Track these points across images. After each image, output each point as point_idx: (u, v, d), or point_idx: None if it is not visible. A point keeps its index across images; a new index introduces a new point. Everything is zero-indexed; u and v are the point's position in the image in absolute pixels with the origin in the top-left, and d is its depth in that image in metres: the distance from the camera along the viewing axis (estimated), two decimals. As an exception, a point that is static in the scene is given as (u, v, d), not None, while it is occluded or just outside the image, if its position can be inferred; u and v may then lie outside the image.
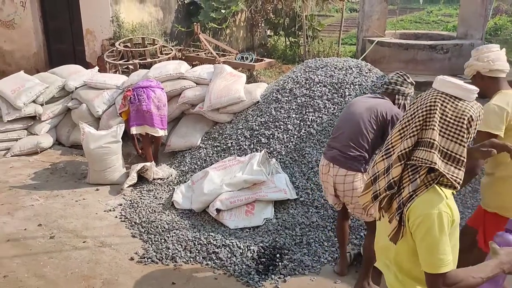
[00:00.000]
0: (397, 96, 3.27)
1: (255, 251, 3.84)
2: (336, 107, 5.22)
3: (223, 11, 9.49)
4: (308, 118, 5.18)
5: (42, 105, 6.37)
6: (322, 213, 4.27)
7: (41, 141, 6.18)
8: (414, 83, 3.38)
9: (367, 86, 5.40)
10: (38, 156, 6.08)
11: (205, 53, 8.55)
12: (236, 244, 3.90)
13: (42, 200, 4.84)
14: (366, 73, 5.61)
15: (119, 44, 7.78)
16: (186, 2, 10.05)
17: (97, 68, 7.31)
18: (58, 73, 6.81)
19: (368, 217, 3.17)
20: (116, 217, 4.52)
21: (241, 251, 3.84)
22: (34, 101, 6.31)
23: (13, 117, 6.12)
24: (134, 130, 5.38)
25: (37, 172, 5.56)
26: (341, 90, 5.36)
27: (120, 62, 7.52)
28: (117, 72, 7.44)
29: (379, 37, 9.16)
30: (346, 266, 3.63)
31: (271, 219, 4.29)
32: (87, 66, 7.87)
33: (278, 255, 3.78)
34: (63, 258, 3.82)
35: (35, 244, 4.03)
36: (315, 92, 5.41)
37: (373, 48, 8.80)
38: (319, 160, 4.67)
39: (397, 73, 3.36)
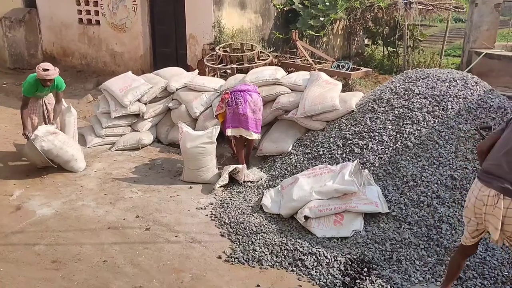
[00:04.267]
0: None
1: (342, 263, 3.75)
2: (436, 121, 4.94)
3: (321, 18, 9.43)
4: (406, 130, 4.96)
5: (145, 104, 6.79)
6: (415, 230, 4.06)
7: (143, 138, 6.59)
8: None
9: (473, 100, 5.07)
10: (139, 151, 6.48)
11: (301, 60, 8.55)
12: (323, 253, 3.84)
13: (140, 193, 5.15)
14: (472, 86, 5.27)
15: (218, 49, 8.06)
16: (285, 9, 10.15)
17: (197, 71, 7.63)
18: (162, 75, 7.22)
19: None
20: (206, 215, 4.67)
21: (328, 261, 3.77)
22: (138, 100, 6.74)
23: (119, 114, 6.58)
24: (229, 132, 5.53)
25: (137, 166, 5.93)
26: (443, 103, 5.07)
27: (219, 66, 7.78)
28: (216, 75, 7.70)
29: (488, 49, 8.55)
30: None
31: (360, 232, 4.16)
32: (188, 69, 8.25)
33: (365, 269, 3.66)
34: (157, 250, 4.02)
35: (132, 234, 4.29)
36: (415, 103, 5.17)
37: (480, 61, 8.23)
38: (415, 175, 4.50)
39: None
